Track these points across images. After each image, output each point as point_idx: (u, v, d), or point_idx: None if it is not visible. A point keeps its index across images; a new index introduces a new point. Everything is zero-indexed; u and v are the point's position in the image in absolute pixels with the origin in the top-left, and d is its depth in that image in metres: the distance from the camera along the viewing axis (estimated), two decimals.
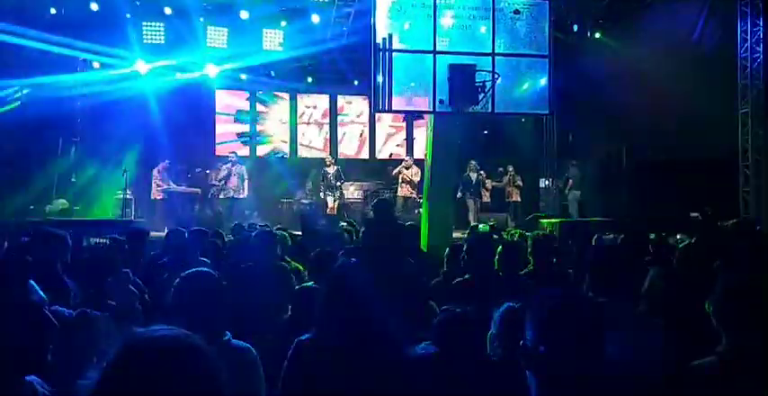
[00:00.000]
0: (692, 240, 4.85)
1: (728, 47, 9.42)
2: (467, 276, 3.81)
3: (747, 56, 9.23)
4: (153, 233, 9.81)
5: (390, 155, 15.57)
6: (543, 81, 6.69)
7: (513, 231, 6.90)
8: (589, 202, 12.41)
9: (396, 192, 12.25)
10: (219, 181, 11.82)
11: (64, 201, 10.76)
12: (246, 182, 11.96)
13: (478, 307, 3.12)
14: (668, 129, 10.73)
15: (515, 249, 4.19)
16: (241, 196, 11.80)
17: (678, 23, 10.40)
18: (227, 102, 14.94)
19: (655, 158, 11.49)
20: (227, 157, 12.44)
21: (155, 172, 11.49)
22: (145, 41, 12.04)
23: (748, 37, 9.20)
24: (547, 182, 14.60)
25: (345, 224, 6.58)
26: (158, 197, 11.38)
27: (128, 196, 11.17)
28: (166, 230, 6.47)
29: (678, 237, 6.55)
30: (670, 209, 9.78)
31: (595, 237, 5.06)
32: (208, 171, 12.88)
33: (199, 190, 11.99)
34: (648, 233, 5.27)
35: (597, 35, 12.61)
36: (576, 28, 12.62)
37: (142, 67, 12.55)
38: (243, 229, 6.66)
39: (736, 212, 9.38)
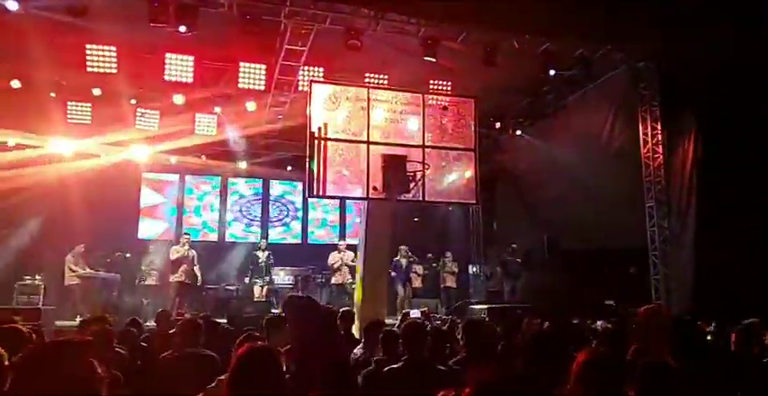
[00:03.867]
0: (609, 326, 5.10)
1: (634, 145, 10.34)
2: (400, 364, 3.78)
3: (650, 155, 10.15)
4: (60, 322, 9.25)
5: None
6: (470, 172, 7.06)
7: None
8: (515, 289, 12.69)
9: (329, 279, 11.99)
10: (147, 265, 11.28)
11: None
12: (198, 267, 11.39)
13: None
14: (585, 220, 11.39)
15: (445, 336, 4.22)
16: (189, 281, 11.12)
17: (590, 123, 11.39)
18: (155, 184, 14.67)
19: (573, 248, 12.07)
20: (181, 239, 11.59)
21: (69, 256, 10.87)
22: (69, 121, 11.78)
23: (649, 139, 10.17)
24: (475, 268, 14.92)
25: (277, 311, 6.39)
26: (72, 282, 10.70)
27: (36, 282, 10.42)
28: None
29: (599, 323, 6.86)
30: (589, 295, 10.23)
31: (525, 321, 5.19)
32: (127, 255, 12.33)
33: (118, 275, 11.40)
34: (571, 319, 5.47)
35: (518, 132, 13.51)
36: (498, 125, 13.55)
37: (65, 147, 12.23)
38: (168, 317, 6.35)
39: (648, 299, 9.88)
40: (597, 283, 10.49)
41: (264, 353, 2.32)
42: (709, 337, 5.43)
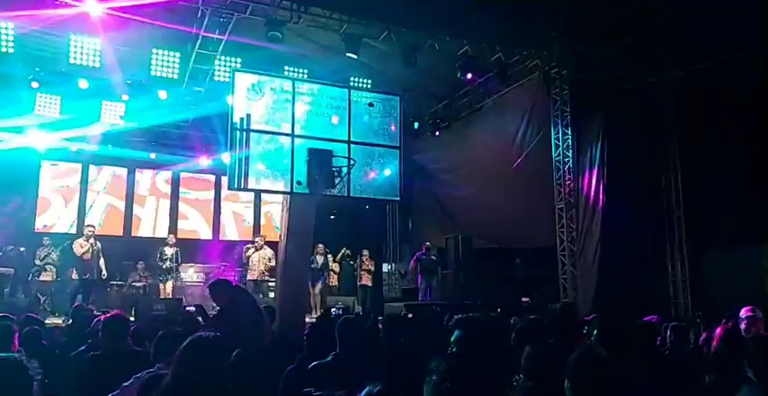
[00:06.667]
0: (525, 323, 5.32)
1: (547, 149, 10.80)
2: (328, 359, 3.73)
3: (560, 159, 10.65)
4: None
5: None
6: (394, 169, 7.09)
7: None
8: (430, 287, 12.85)
9: (245, 275, 11.65)
10: (42, 259, 10.49)
11: None
12: (103, 260, 10.61)
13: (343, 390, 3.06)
14: (498, 219, 11.79)
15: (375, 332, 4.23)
16: (94, 277, 10.33)
17: (504, 126, 11.79)
18: (55, 174, 13.69)
19: (486, 246, 12.46)
20: (85, 232, 10.68)
21: None
22: None
23: (560, 143, 10.67)
24: (390, 266, 15.05)
25: (194, 309, 6.14)
26: None
27: None
28: None
29: (512, 319, 7.13)
30: (503, 293, 10.61)
31: (446, 316, 5.29)
32: (22, 249, 11.39)
33: (12, 270, 10.50)
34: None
35: (436, 133, 13.76)
36: (416, 125, 13.76)
37: None
38: (87, 313, 5.92)
39: (556, 296, 10.39)
40: (510, 282, 10.88)
41: (213, 342, 2.24)
42: None
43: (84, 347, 4.01)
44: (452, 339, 3.08)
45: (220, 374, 2.13)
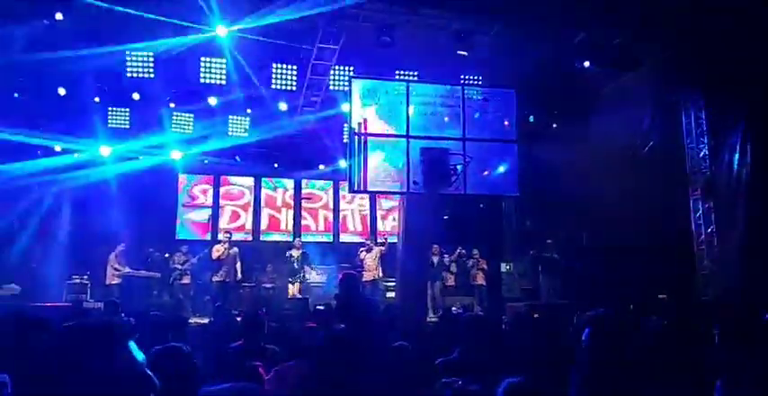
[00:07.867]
0: (666, 322, 4.97)
1: (674, 137, 10.01)
2: (454, 355, 3.72)
3: (694, 146, 9.83)
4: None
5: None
6: (510, 165, 6.94)
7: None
8: (554, 286, 12.40)
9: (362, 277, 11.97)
10: (182, 264, 11.51)
11: (15, 286, 10.21)
12: (239, 264, 11.56)
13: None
14: (624, 215, 11.10)
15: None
16: (229, 280, 11.29)
17: (628, 116, 11.10)
18: (190, 185, 14.88)
19: (611, 244, 11.77)
20: (221, 237, 11.91)
21: (112, 256, 11.19)
22: (110, 126, 12.05)
23: (693, 129, 9.85)
24: (507, 266, 14.68)
25: (322, 307, 6.40)
26: (114, 282, 10.96)
27: (84, 281, 10.73)
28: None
29: (649, 319, 6.68)
30: (631, 291, 9.95)
31: (575, 315, 5.08)
32: (167, 255, 12.52)
33: (158, 274, 11.60)
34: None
35: (554, 126, 13.25)
36: (532, 119, 13.31)
37: (105, 150, 12.50)
38: (226, 313, 6.41)
39: (693, 294, 9.61)
40: (639, 280, 10.18)
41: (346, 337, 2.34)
42: None
43: (240, 342, 4.31)
44: (583, 337, 2.96)
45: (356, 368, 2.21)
